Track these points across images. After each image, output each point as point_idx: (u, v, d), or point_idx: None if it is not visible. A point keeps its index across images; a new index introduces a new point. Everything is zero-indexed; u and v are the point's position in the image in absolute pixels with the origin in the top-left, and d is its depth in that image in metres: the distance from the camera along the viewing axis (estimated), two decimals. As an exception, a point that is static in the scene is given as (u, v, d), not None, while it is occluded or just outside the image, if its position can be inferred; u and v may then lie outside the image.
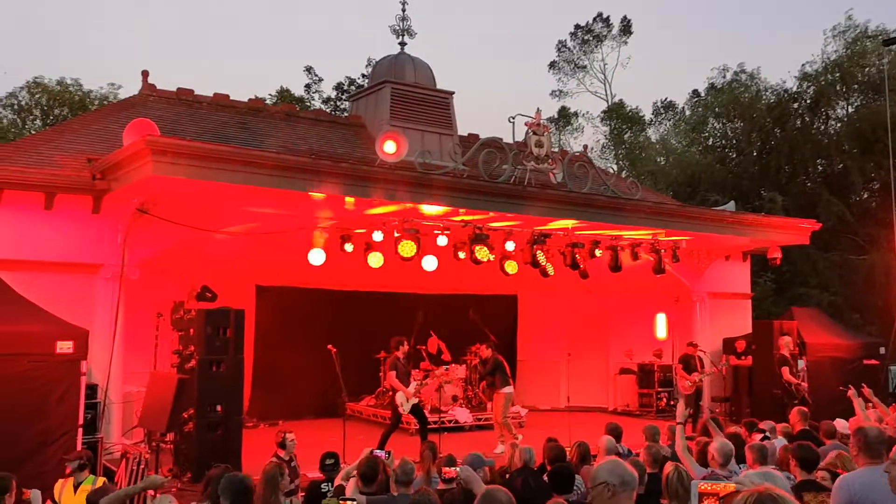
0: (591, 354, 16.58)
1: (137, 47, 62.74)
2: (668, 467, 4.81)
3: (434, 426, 11.09)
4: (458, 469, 5.53)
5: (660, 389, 15.80)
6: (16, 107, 29.32)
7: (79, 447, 8.00)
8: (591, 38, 38.16)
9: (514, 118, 11.26)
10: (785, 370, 12.93)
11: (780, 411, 11.15)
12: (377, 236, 11.16)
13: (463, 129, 17.33)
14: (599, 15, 37.84)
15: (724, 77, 31.35)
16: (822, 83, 27.87)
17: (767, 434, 8.25)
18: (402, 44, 17.63)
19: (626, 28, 37.83)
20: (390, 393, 11.87)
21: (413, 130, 15.22)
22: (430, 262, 11.62)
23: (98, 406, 9.63)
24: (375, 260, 11.49)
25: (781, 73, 61.74)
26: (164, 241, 10.43)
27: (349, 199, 9.91)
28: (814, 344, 14.28)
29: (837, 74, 27.84)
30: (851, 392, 8.54)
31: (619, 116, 37.44)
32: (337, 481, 6.35)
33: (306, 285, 14.07)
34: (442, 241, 11.38)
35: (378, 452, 6.29)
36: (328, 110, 30.35)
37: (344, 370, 10.56)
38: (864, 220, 25.76)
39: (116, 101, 20.51)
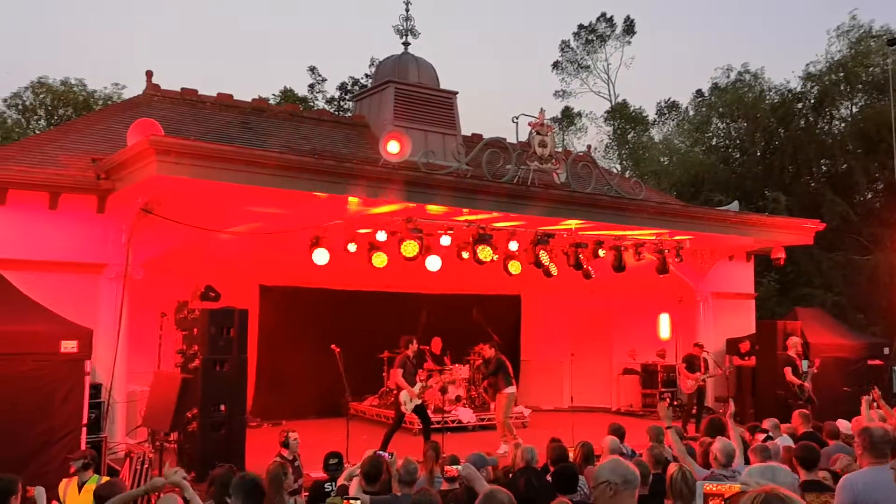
0: (595, 354, 16.56)
1: (141, 47, 62.84)
2: (673, 468, 4.80)
3: (437, 426, 11.08)
4: (459, 467, 5.53)
5: (663, 390, 15.78)
6: (20, 107, 29.38)
7: (83, 446, 8.01)
8: (594, 39, 38.16)
9: (517, 118, 11.28)
10: (787, 370, 12.92)
11: (784, 412, 11.13)
12: (381, 236, 11.16)
13: (466, 130, 17.34)
14: (603, 15, 37.90)
15: (728, 77, 31.37)
16: (826, 83, 27.83)
17: (770, 434, 8.24)
18: (406, 44, 17.65)
19: (630, 28, 37.86)
20: (394, 392, 11.87)
21: (416, 130, 15.23)
22: (433, 262, 11.62)
23: (102, 405, 9.65)
24: (379, 260, 11.50)
25: (785, 73, 61.92)
26: (168, 240, 10.44)
27: (352, 200, 9.92)
28: (818, 344, 14.26)
29: (841, 74, 27.80)
30: (865, 398, 8.47)
31: (622, 116, 37.43)
32: (340, 481, 6.36)
33: (310, 285, 14.09)
34: (445, 240, 11.38)
35: (381, 453, 6.29)
36: (332, 110, 30.37)
37: (347, 370, 10.57)
38: (868, 220, 25.71)
39: (120, 101, 20.55)
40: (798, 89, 29.01)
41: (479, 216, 11.16)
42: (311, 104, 32.01)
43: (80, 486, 6.53)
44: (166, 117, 12.80)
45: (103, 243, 10.46)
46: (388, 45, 72.24)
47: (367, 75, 32.77)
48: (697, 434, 9.46)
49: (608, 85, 38.86)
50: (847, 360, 14.45)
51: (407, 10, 17.84)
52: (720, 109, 31.43)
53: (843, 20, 31.23)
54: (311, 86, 34.62)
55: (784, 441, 7.68)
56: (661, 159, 34.04)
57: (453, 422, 12.93)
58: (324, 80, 34.85)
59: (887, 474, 3.96)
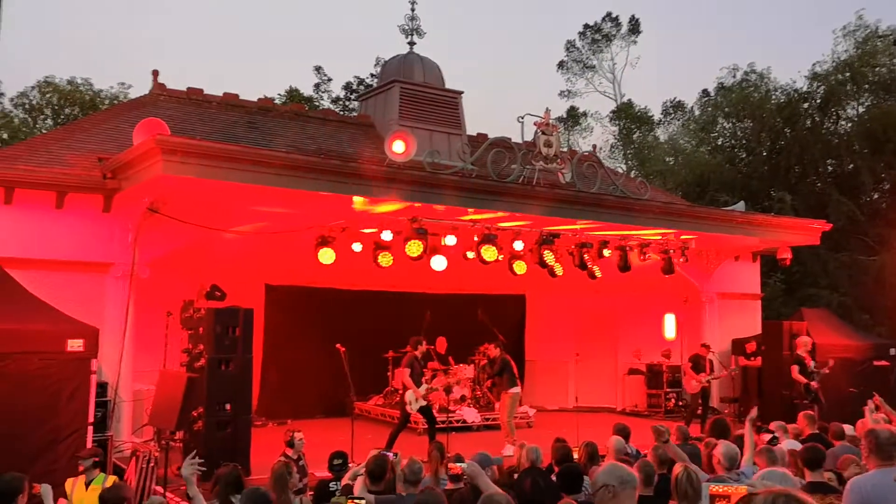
0: (600, 354, 16.56)
1: (147, 47, 62.98)
2: (678, 468, 4.79)
3: (442, 426, 11.09)
4: (464, 465, 5.53)
5: (668, 390, 15.78)
6: (27, 106, 29.46)
7: (89, 445, 8.04)
8: (600, 38, 38.10)
9: (522, 118, 11.26)
10: (794, 368, 12.89)
11: (790, 412, 11.11)
12: (386, 236, 11.17)
13: (471, 129, 17.34)
14: (608, 14, 37.82)
15: (734, 77, 31.23)
16: (833, 83, 27.72)
17: (776, 435, 8.22)
18: (412, 43, 17.66)
19: (635, 28, 37.78)
20: (399, 392, 11.88)
21: (422, 130, 15.23)
22: (439, 262, 11.62)
23: (108, 404, 9.68)
24: (385, 260, 11.51)
25: (791, 72, 61.66)
26: (174, 240, 10.47)
27: (358, 199, 9.93)
28: (823, 345, 14.22)
29: (848, 74, 27.68)
30: (868, 408, 8.42)
31: (627, 116, 37.36)
32: (344, 482, 6.37)
33: (315, 284, 14.11)
34: (450, 240, 11.38)
35: (386, 453, 6.30)
36: (337, 110, 30.37)
37: (352, 369, 10.58)
38: (875, 220, 25.62)
39: (127, 101, 20.61)
40: (804, 89, 28.93)
41: (484, 216, 11.16)
42: (317, 104, 32.01)
43: (87, 485, 6.56)
44: (172, 117, 12.83)
45: (109, 242, 10.49)
46: (394, 44, 72.18)
47: (372, 75, 32.80)
48: (702, 435, 9.43)
49: (614, 85, 38.84)
50: (853, 360, 14.40)
51: (412, 10, 17.89)
52: (726, 109, 31.32)
53: (849, 20, 30.98)
54: (317, 85, 34.67)
55: (789, 444, 7.65)
56: (667, 159, 33.95)
57: (458, 422, 12.93)
58: (329, 79, 34.90)
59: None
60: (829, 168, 28.62)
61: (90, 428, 8.55)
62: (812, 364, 13.00)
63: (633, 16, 37.82)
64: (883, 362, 14.73)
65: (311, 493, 6.96)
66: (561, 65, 38.91)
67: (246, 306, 9.87)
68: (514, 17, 72.07)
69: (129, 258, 10.27)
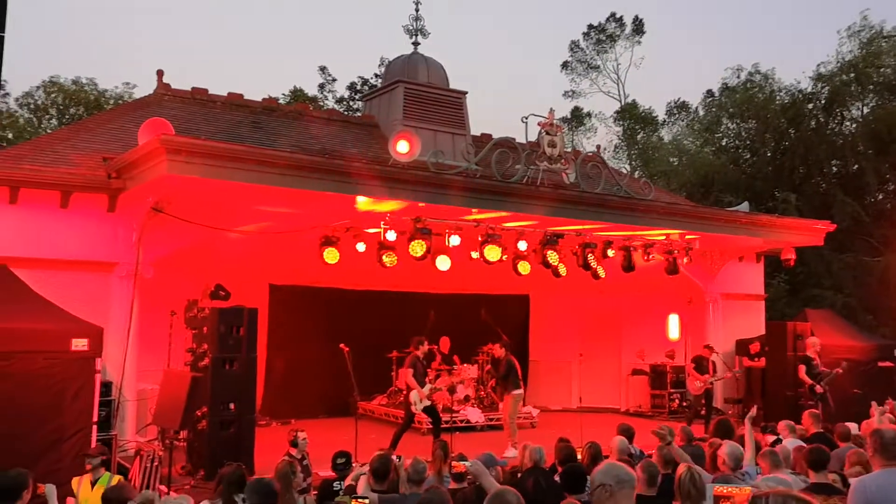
0: (604, 355, 16.54)
1: (152, 47, 63.07)
2: (682, 468, 4.78)
3: (446, 426, 11.09)
4: (467, 463, 5.53)
5: (672, 390, 15.76)
6: (32, 106, 29.54)
7: (93, 444, 8.05)
8: (604, 39, 38.07)
9: (527, 118, 11.27)
10: (801, 368, 12.87)
11: (794, 412, 11.09)
12: (390, 236, 11.17)
13: (476, 129, 17.35)
14: (612, 15, 37.80)
15: (738, 77, 31.19)
16: (837, 83, 27.66)
17: (780, 436, 8.21)
18: (416, 43, 17.66)
19: (639, 28, 37.75)
20: (403, 392, 11.88)
21: (426, 130, 15.24)
22: (443, 262, 11.63)
23: (112, 403, 9.70)
24: (389, 259, 11.52)
25: (796, 73, 61.64)
26: (179, 239, 10.49)
27: (362, 199, 9.94)
28: (828, 346, 14.18)
29: (852, 75, 27.62)
30: (875, 409, 8.40)
31: (632, 117, 37.33)
32: (347, 482, 6.37)
33: (319, 284, 14.11)
34: (454, 240, 11.38)
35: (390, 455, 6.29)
36: (341, 110, 30.40)
37: (356, 369, 10.59)
38: (879, 221, 25.56)
39: (131, 101, 20.62)
40: (809, 90, 28.88)
41: (488, 216, 11.16)
42: (321, 104, 32.05)
43: (93, 484, 6.59)
44: (177, 116, 12.85)
45: (114, 242, 10.51)
46: (398, 44, 72.30)
47: (376, 75, 32.81)
48: (706, 435, 9.42)
49: (618, 85, 38.81)
50: (857, 361, 14.36)
51: (417, 10, 17.86)
52: (730, 110, 31.28)
53: (854, 20, 30.90)
54: (321, 85, 34.71)
55: (793, 443, 7.64)
56: (671, 160, 33.92)
57: (462, 422, 12.94)
58: (334, 79, 34.93)
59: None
60: (834, 169, 28.56)
61: (94, 427, 8.58)
62: (820, 366, 12.97)
63: (636, 16, 37.87)
64: (887, 363, 14.70)
65: (315, 492, 6.97)
66: (565, 65, 38.93)
67: (250, 306, 9.87)
68: (518, 17, 72.10)
69: (134, 258, 10.30)
